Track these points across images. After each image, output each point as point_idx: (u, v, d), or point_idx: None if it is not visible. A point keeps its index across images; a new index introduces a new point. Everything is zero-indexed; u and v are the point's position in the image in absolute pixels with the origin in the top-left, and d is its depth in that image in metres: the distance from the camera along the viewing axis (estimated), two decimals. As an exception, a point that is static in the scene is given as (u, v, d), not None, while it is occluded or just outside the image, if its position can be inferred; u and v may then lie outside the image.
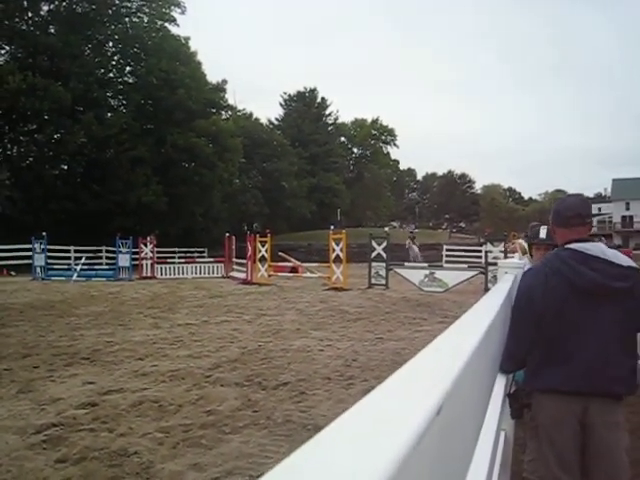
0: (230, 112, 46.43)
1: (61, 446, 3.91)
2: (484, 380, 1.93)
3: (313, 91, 65.40)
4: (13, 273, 24.36)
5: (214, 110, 40.27)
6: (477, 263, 19.25)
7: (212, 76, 40.11)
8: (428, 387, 0.83)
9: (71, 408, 4.79)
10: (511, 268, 3.80)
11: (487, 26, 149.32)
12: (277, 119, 64.58)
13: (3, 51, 33.62)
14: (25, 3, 32.72)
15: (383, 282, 15.83)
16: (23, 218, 28.46)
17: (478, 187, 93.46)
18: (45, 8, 34.01)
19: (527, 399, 2.67)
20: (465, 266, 17.32)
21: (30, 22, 33.36)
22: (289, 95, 65.53)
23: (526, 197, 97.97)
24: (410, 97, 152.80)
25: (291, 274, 19.71)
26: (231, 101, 45.71)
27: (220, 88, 40.89)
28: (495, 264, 11.79)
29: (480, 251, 20.31)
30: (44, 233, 22.17)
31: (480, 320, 1.86)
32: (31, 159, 32.15)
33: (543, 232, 3.71)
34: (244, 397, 5.15)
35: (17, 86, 28.32)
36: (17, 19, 32.62)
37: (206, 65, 39.17)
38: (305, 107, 63.93)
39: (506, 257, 12.65)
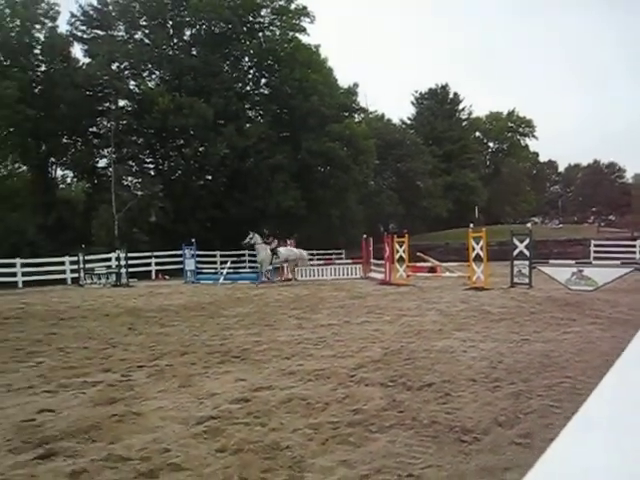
0: (362, 114, 46.84)
1: (220, 437, 4.17)
2: None
3: (445, 87, 64.17)
4: (167, 277, 26.44)
5: (347, 114, 40.86)
6: (630, 259, 17.81)
7: (343, 80, 40.78)
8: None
9: (226, 402, 5.08)
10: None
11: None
12: (409, 118, 64.16)
13: (154, 75, 36.63)
14: (171, 31, 35.39)
15: (526, 281, 15.13)
16: (175, 226, 30.78)
17: (629, 176, 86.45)
18: (188, 33, 36.58)
19: None
20: (617, 262, 16.08)
21: (175, 47, 36.02)
22: (420, 93, 64.86)
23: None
24: (549, 85, 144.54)
25: (430, 274, 19.45)
26: (363, 104, 46.13)
27: (352, 92, 41.43)
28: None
29: (634, 246, 18.80)
30: (193, 240, 23.75)
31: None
32: (180, 172, 34.61)
33: None
34: (389, 397, 5.16)
35: (166, 106, 30.71)
36: (164, 46, 35.38)
37: (337, 69, 39.95)
38: (437, 104, 62.88)
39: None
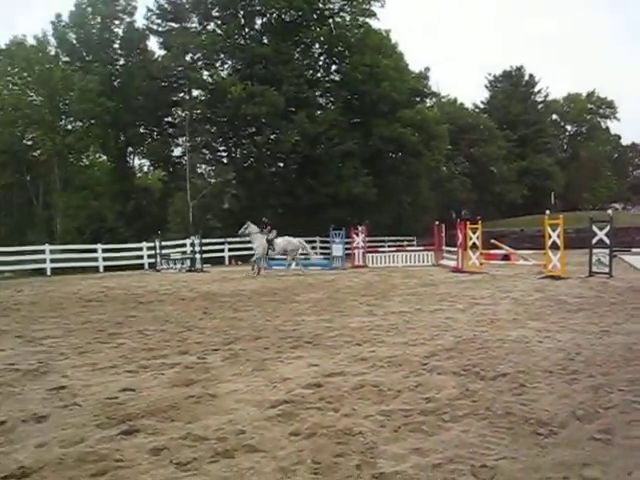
0: (434, 99, 46.04)
1: (293, 421, 4.24)
2: None
3: (520, 69, 61.96)
4: (240, 263, 27.00)
5: (418, 99, 40.30)
6: None
7: (414, 65, 40.19)
8: None
9: (299, 387, 5.15)
10: None
11: None
12: (482, 102, 62.44)
13: (226, 65, 37.29)
14: (242, 20, 35.88)
15: (606, 270, 14.47)
16: (247, 213, 31.32)
17: None
18: (259, 22, 36.99)
19: None
20: None
21: (247, 36, 36.49)
22: (494, 76, 62.92)
23: None
24: (632, 65, 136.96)
25: (503, 262, 18.99)
26: (434, 88, 45.31)
27: (423, 76, 40.80)
28: None
29: None
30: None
31: None
32: (252, 160, 35.15)
33: None
34: (462, 386, 5.09)
35: (238, 95, 31.24)
36: (236, 36, 35.93)
37: (408, 53, 39.41)
38: (512, 87, 60.85)
39: None
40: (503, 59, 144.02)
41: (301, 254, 21.44)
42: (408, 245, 30.19)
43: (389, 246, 28.42)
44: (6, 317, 10.66)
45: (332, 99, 38.62)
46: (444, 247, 22.59)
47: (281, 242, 20.43)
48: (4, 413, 4.67)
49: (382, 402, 4.68)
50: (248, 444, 3.80)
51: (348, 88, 36.64)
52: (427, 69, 40.65)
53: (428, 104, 42.82)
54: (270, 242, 20.16)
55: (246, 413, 4.47)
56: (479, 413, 4.36)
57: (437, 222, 24.05)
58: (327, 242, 25.87)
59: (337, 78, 39.00)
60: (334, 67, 39.52)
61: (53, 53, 36.98)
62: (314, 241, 30.59)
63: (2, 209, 40.27)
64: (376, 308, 10.35)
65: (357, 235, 23.38)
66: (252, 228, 20.50)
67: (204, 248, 24.69)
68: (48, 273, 22.22)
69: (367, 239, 24.35)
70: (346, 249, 23.21)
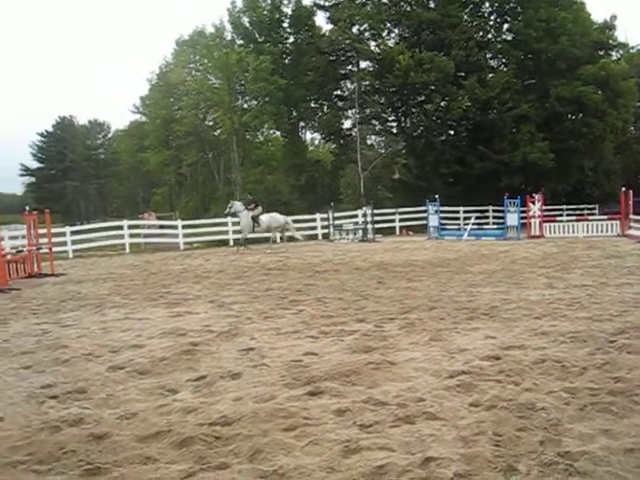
0: (621, 51, 41.66)
1: (472, 392, 4.27)
2: None
3: None
4: (411, 233, 27.09)
5: (602, 52, 36.68)
6: None
7: (598, 14, 36.61)
8: None
9: (477, 359, 5.15)
10: None
11: None
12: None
13: (393, 34, 36.92)
14: (408, -17, 35.24)
15: None
16: (417, 183, 31.22)
17: None
18: (426, -16, 35.98)
19: None
20: None
21: (413, 2, 35.69)
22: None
23: None
24: None
25: None
26: (622, 38, 40.90)
27: (608, 26, 36.97)
28: None
29: None
30: (437, 196, 23.86)
31: None
32: (421, 128, 34.65)
33: None
34: (656, 367, 4.74)
35: (406, 63, 30.89)
36: (402, 3, 35.38)
37: (590, 3, 35.95)
38: None
39: None
40: None
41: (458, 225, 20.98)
42: (589, 214, 28.12)
43: (568, 215, 26.64)
44: (198, 284, 11.81)
45: (504, 61, 36.62)
46: (632, 216, 20.70)
47: (266, 219, 20.67)
48: (204, 369, 5.27)
49: (566, 379, 4.53)
50: (428, 412, 3.91)
51: (521, 47, 34.46)
52: (613, 17, 36.68)
53: (614, 57, 38.83)
54: (255, 219, 20.38)
55: (424, 381, 4.58)
56: (678, 397, 4.04)
57: (623, 188, 22.05)
58: (500, 211, 24.95)
59: (509, 38, 36.77)
60: (506, 26, 37.27)
61: (229, 38, 39.44)
62: (486, 210, 29.66)
63: (189, 186, 44.31)
64: (556, 281, 9.87)
65: (533, 204, 22.30)
66: (237, 206, 20.87)
67: (375, 218, 25.12)
68: (231, 243, 24.02)
69: (544, 208, 23.07)
70: (521, 218, 22.24)
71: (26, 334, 7.17)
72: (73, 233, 23.85)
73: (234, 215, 21.45)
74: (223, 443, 3.55)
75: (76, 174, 69.72)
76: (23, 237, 18.88)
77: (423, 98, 33.76)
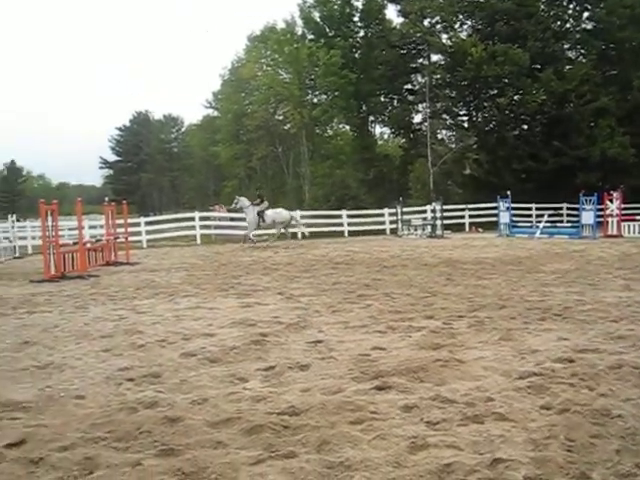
0: None
1: (544, 394, 4.16)
2: None
3: None
4: (480, 230, 26.56)
5: (692, 41, 34.67)
6: None
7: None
8: None
9: (548, 361, 5.00)
10: None
11: None
12: None
13: (465, 26, 36.21)
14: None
15: None
16: (488, 178, 30.55)
17: None
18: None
19: None
20: None
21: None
22: None
23: None
24: None
25: None
26: None
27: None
28: None
29: None
30: (508, 192, 23.25)
31: None
32: (493, 123, 33.91)
33: None
34: None
35: (479, 56, 30.22)
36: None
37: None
38: None
39: None
40: None
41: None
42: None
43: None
44: (267, 275, 12.02)
45: (583, 51, 35.20)
46: None
47: (271, 214, 20.75)
48: (273, 359, 5.37)
49: (645, 386, 4.34)
50: (497, 412, 3.84)
51: (603, 37, 33.03)
52: None
53: None
54: (260, 214, 20.40)
55: (494, 381, 4.50)
56: None
57: None
58: (574, 209, 24.07)
59: (589, 27, 35.28)
60: (586, 14, 35.78)
61: (300, 33, 39.77)
62: (560, 208, 28.66)
63: (259, 179, 45.03)
64: (635, 283, 9.43)
65: (611, 201, 21.37)
66: (243, 202, 20.86)
67: (444, 214, 24.76)
68: (299, 237, 24.32)
69: (622, 206, 22.06)
70: (598, 217, 21.35)
71: (104, 319, 7.53)
72: (147, 224, 24.83)
73: (240, 210, 21.67)
74: (291, 432, 3.61)
75: (151, 167, 72.31)
76: (101, 227, 19.83)
77: (496, 92, 33.02)
